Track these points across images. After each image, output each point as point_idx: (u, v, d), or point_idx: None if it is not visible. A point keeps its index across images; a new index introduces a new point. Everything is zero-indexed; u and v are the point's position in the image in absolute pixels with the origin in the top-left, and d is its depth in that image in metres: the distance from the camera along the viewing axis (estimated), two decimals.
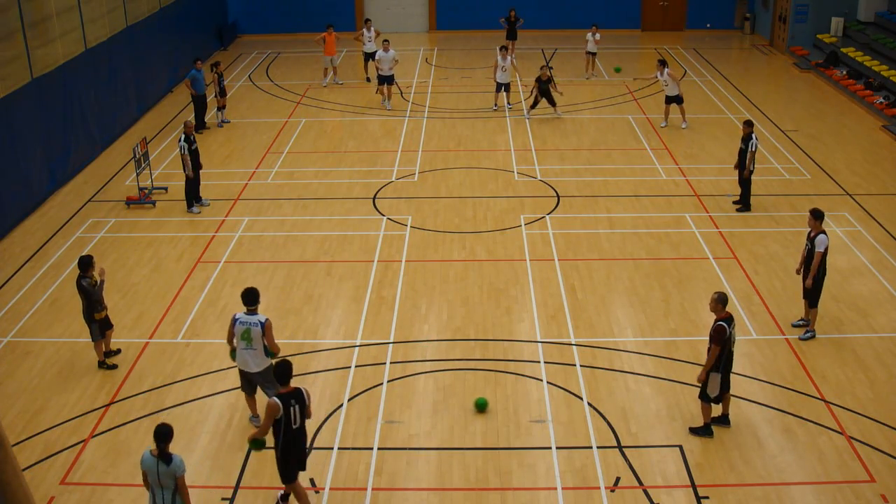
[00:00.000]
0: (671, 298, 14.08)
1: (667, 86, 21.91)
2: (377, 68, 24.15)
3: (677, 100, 21.96)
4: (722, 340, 10.40)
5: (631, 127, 22.51)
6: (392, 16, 33.87)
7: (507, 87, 23.74)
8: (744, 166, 16.90)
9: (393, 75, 23.99)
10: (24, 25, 17.69)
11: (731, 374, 10.98)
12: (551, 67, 22.99)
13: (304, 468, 9.58)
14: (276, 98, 25.84)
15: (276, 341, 10.72)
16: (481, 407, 11.34)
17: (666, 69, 21.86)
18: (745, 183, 17.16)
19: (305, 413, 9.27)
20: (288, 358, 9.62)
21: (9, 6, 17.33)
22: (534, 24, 34.00)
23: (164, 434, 8.38)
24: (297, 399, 9.16)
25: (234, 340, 10.64)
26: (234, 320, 10.58)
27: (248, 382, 10.92)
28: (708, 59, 29.86)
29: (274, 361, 9.74)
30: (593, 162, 20.16)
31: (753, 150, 16.70)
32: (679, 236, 16.15)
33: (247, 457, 10.64)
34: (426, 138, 21.95)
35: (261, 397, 10.99)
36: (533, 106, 23.04)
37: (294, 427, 9.18)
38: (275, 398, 9.09)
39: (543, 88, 22.64)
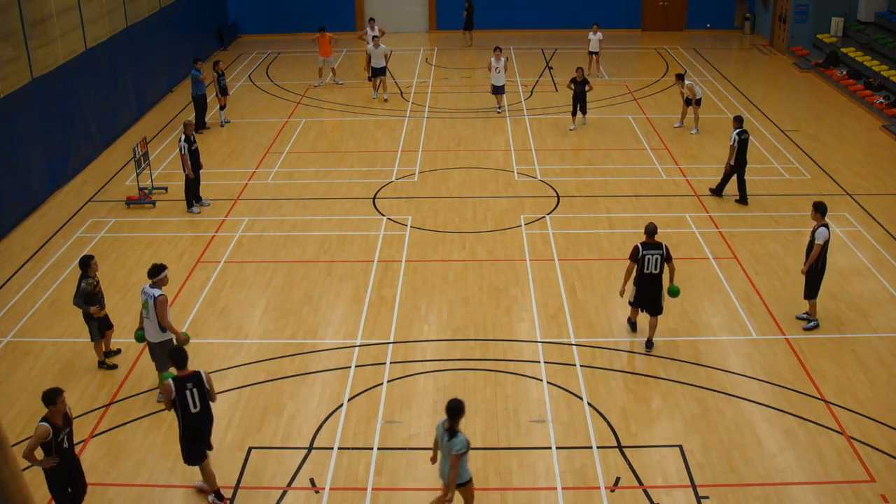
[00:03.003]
0: (671, 299, 14.05)
1: (693, 90, 21.75)
2: (370, 63, 24.91)
3: (697, 103, 21.86)
4: (634, 258, 12.34)
5: (631, 127, 22.51)
6: (392, 16, 33.86)
7: (501, 89, 23.49)
8: (731, 161, 17.40)
9: (385, 67, 24.66)
10: (24, 25, 17.70)
11: (731, 373, 10.99)
12: (580, 68, 22.34)
13: (209, 448, 9.83)
14: (276, 98, 25.85)
15: (168, 319, 11.17)
16: (674, 293, 12.47)
17: (686, 80, 21.96)
18: (727, 176, 17.60)
19: (207, 396, 9.54)
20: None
21: (9, 6, 17.33)
22: (534, 24, 34.09)
23: (453, 410, 8.71)
24: (196, 383, 9.45)
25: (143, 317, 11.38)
26: (141, 291, 11.36)
27: (151, 352, 11.60)
28: (708, 59, 29.87)
29: (174, 341, 11.02)
30: (593, 162, 20.17)
31: (731, 143, 17.21)
32: (679, 236, 16.15)
33: (247, 457, 10.64)
34: (426, 138, 21.95)
35: None
36: (574, 113, 22.24)
37: (193, 411, 9.47)
38: (169, 380, 9.44)
39: (579, 90, 21.85)
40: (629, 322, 13.16)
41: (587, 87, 21.90)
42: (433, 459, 9.28)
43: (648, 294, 12.49)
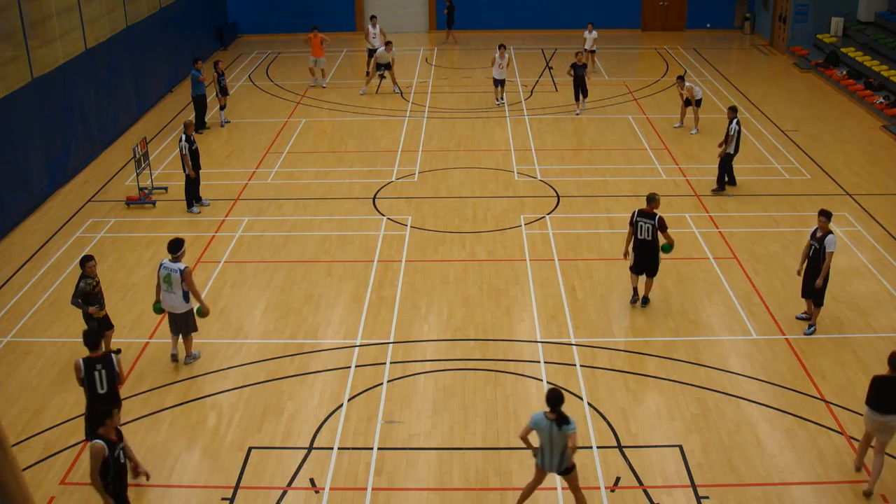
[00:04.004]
0: (671, 298, 14.08)
1: (692, 92, 21.80)
2: (377, 62, 25.55)
3: (697, 103, 21.87)
4: (631, 223, 13.50)
5: (631, 127, 22.51)
6: (392, 16, 33.87)
7: (502, 83, 24.37)
8: (727, 150, 17.93)
9: (389, 63, 25.32)
10: (24, 25, 17.69)
11: (731, 373, 10.98)
12: (580, 52, 23.98)
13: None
14: (276, 98, 25.85)
15: (196, 288, 12.18)
16: (666, 250, 13.34)
17: (686, 82, 22.07)
18: (721, 164, 18.04)
19: (115, 379, 9.91)
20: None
21: (9, 6, 17.33)
22: (534, 24, 34.09)
23: (557, 399, 8.84)
24: (105, 365, 9.82)
25: (158, 289, 12.13)
26: (160, 266, 12.11)
27: (173, 323, 12.28)
28: (708, 59, 29.86)
29: (189, 312, 12.11)
30: (593, 162, 20.16)
31: (731, 133, 17.74)
32: (679, 236, 16.12)
33: (247, 457, 10.64)
34: (426, 138, 21.95)
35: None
36: (576, 97, 23.56)
37: (100, 392, 9.85)
38: (79, 360, 9.87)
39: (579, 74, 23.08)
40: (632, 297, 13.87)
41: (586, 73, 23.15)
42: (535, 454, 9.18)
43: (643, 259, 13.56)
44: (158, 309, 12.33)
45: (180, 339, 12.42)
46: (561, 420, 8.86)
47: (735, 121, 17.82)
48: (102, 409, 9.59)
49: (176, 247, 12.12)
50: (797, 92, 26.04)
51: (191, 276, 12.03)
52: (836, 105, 24.47)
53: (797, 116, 23.42)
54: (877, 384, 9.81)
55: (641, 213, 13.40)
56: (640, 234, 13.38)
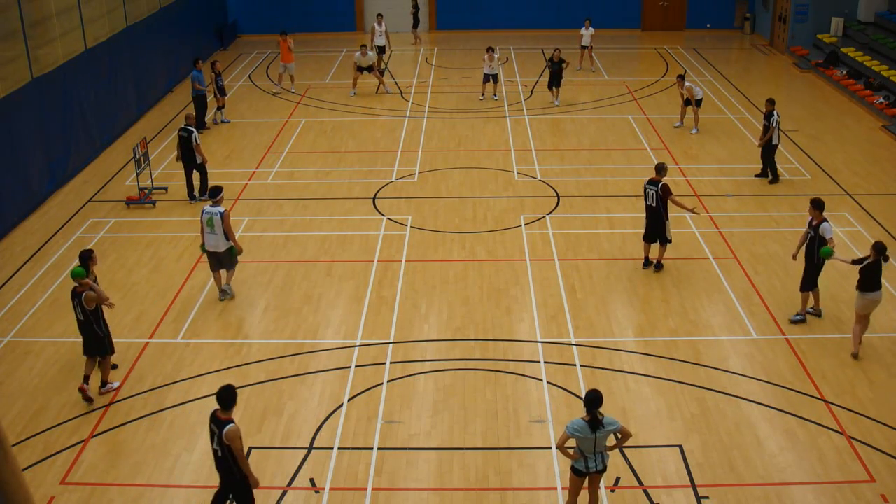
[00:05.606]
0: (671, 298, 14.08)
1: (692, 92, 21.79)
2: (357, 65, 25.49)
3: (697, 103, 21.87)
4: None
5: (631, 127, 22.51)
6: (392, 16, 33.84)
7: (494, 77, 24.76)
8: (770, 141, 18.24)
9: (372, 66, 25.46)
10: (24, 25, 17.69)
11: (731, 373, 10.96)
12: (558, 48, 24.93)
13: (93, 354, 11.67)
14: (275, 98, 25.84)
15: (232, 230, 13.97)
16: (826, 254, 12.59)
17: (686, 82, 22.03)
18: (765, 155, 18.44)
19: (86, 312, 11.41)
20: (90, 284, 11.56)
21: (9, 6, 17.33)
22: (534, 23, 34.09)
23: (596, 400, 8.72)
24: (78, 300, 11.41)
25: (203, 232, 13.81)
26: (202, 212, 13.84)
27: (216, 261, 14.03)
28: (708, 59, 29.86)
29: (229, 250, 13.88)
30: (593, 162, 20.16)
31: (775, 125, 18.08)
32: (679, 236, 16.12)
33: (247, 457, 10.63)
34: (426, 138, 21.95)
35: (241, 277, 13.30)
36: (550, 88, 24.60)
37: (80, 319, 11.53)
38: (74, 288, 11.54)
39: (555, 69, 24.05)
40: (643, 263, 14.84)
41: (564, 65, 24.12)
42: (576, 461, 9.01)
43: (650, 226, 14.50)
44: (204, 248, 13.98)
45: (223, 274, 14.17)
46: (594, 424, 8.72)
47: (776, 112, 18.17)
48: (82, 332, 11.57)
49: (216, 192, 13.87)
50: (797, 92, 26.04)
51: (229, 218, 13.81)
52: (836, 105, 24.47)
53: (797, 116, 23.42)
54: (864, 271, 11.91)
55: (649, 181, 14.39)
56: (647, 201, 14.36)
